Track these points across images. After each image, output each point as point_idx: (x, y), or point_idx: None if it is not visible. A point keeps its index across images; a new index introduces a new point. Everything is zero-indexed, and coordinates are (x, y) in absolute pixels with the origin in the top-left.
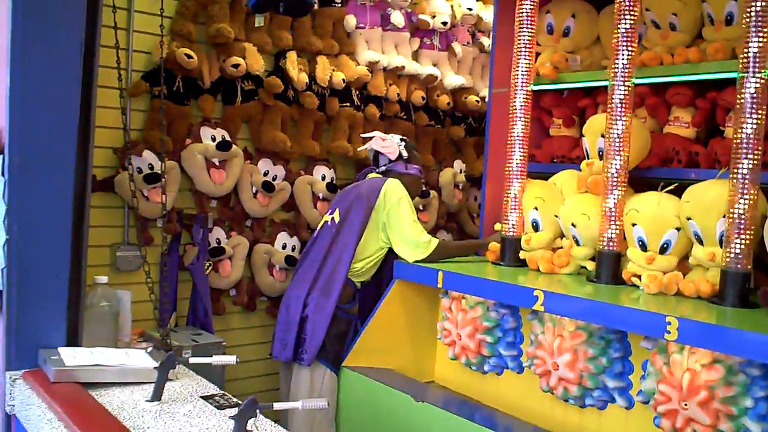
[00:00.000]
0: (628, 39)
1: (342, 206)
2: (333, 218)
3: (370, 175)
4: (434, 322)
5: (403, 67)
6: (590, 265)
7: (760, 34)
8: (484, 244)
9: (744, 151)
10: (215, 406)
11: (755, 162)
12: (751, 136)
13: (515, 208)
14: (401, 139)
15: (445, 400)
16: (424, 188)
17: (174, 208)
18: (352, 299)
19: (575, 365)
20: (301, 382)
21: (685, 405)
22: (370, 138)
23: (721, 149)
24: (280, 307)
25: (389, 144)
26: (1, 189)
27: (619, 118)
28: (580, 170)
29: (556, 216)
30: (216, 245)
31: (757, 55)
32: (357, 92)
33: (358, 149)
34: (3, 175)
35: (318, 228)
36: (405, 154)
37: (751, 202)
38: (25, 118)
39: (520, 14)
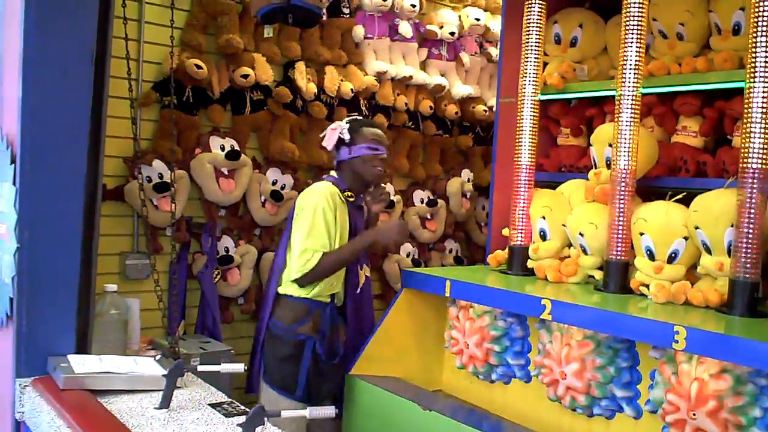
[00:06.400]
0: (636, 49)
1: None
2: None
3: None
4: (441, 331)
5: (411, 77)
6: (598, 275)
7: (767, 43)
8: (368, 238)
9: (752, 160)
10: (223, 414)
11: (763, 171)
12: (759, 145)
13: (523, 217)
14: (348, 120)
15: (452, 409)
16: (431, 197)
17: (183, 217)
18: (305, 317)
19: (583, 374)
20: None
21: (694, 415)
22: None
23: (728, 158)
24: None
25: (328, 134)
26: (13, 198)
27: (626, 127)
28: (588, 179)
29: (564, 225)
30: (224, 254)
31: (765, 64)
32: (365, 102)
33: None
34: (14, 183)
35: None
36: (346, 136)
37: (759, 211)
38: (37, 128)
39: (528, 24)
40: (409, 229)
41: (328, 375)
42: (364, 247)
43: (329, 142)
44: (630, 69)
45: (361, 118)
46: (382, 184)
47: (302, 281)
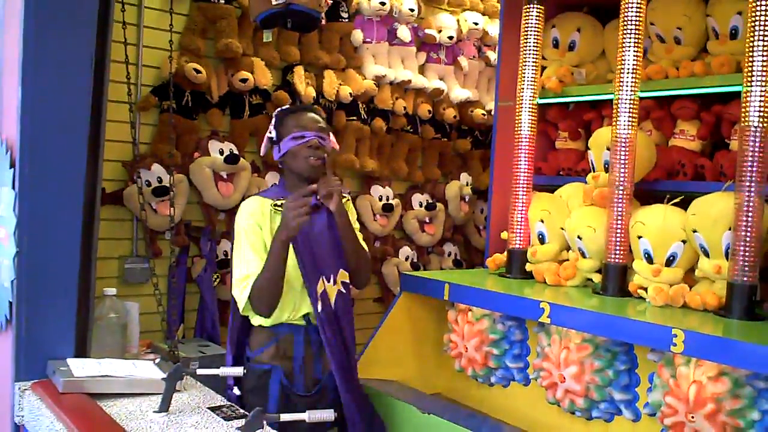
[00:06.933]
0: (634, 53)
1: None
2: None
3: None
4: (440, 335)
5: (410, 81)
6: (596, 278)
7: (764, 48)
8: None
9: (749, 163)
10: (222, 418)
11: (761, 174)
12: (757, 148)
13: (521, 221)
14: (275, 114)
15: (451, 412)
16: (430, 200)
17: (182, 221)
18: (268, 341)
19: (582, 377)
20: None
21: (692, 417)
22: None
23: (726, 162)
24: None
25: (264, 141)
26: (12, 202)
27: (624, 131)
28: (586, 183)
29: (562, 228)
30: (223, 257)
31: (762, 68)
32: (364, 106)
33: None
34: (13, 188)
35: None
36: (273, 134)
37: (757, 214)
38: (36, 132)
39: (526, 28)
40: (410, 233)
41: (306, 410)
42: (281, 248)
43: (262, 147)
44: (628, 73)
45: (287, 107)
46: (331, 175)
47: (255, 312)
